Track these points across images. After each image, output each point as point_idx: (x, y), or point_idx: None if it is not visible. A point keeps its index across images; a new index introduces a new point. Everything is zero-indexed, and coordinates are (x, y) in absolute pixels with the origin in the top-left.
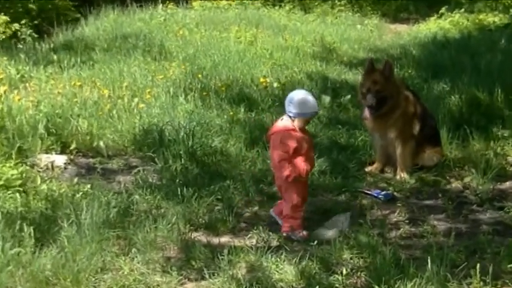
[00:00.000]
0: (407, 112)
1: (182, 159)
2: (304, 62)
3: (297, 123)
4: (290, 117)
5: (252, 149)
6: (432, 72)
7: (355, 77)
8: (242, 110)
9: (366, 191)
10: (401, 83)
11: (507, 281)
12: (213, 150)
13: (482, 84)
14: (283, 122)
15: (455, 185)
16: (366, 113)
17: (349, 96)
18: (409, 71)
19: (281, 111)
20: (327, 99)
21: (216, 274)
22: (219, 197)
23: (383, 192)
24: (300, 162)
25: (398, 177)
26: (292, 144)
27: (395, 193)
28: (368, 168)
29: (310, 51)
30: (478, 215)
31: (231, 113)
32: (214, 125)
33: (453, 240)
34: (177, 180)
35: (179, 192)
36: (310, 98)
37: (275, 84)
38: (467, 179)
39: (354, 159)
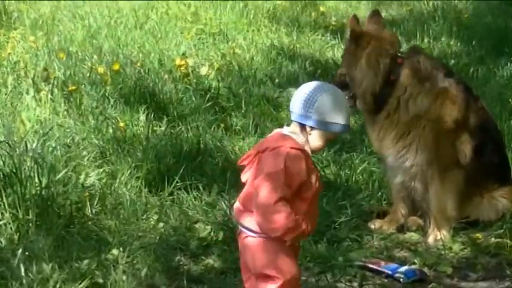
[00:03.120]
0: (444, 119)
1: (24, 211)
2: (257, 28)
3: (315, 142)
4: (301, 128)
5: (161, 190)
6: (493, 46)
7: None
8: (142, 118)
9: (373, 266)
10: (429, 61)
11: None
12: (88, 195)
13: None
14: (287, 136)
15: None
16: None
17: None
18: (450, 43)
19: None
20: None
21: None
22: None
23: (403, 268)
24: (288, 212)
25: (431, 239)
26: (302, 175)
27: (425, 269)
28: (376, 224)
29: (268, 8)
30: None
31: (122, 124)
32: (90, 147)
33: None
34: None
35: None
36: (344, 97)
37: (203, 71)
38: None
39: (349, 206)
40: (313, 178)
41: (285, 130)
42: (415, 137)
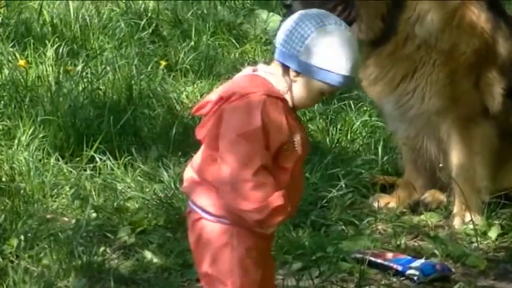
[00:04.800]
0: (461, 49)
1: None
2: None
3: (301, 93)
4: (284, 70)
5: (77, 156)
6: None
7: None
8: (50, 53)
9: (376, 259)
10: None
11: None
12: None
13: None
14: (261, 79)
15: None
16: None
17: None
18: None
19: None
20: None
21: None
22: None
23: (418, 262)
24: (271, 186)
25: (457, 222)
26: (283, 134)
27: (449, 264)
28: (380, 201)
29: None
30: None
31: (22, 63)
32: None
33: None
34: None
35: None
36: (355, 44)
37: None
38: None
39: (342, 176)
40: (297, 138)
41: (261, 70)
42: (422, 77)
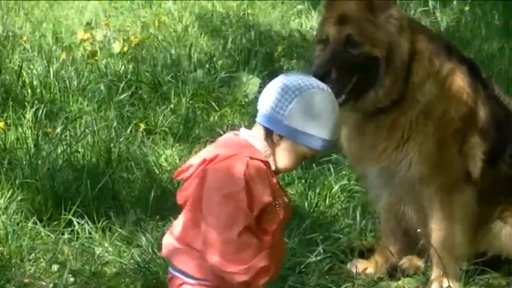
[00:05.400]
0: (450, 115)
1: None
2: None
3: (283, 157)
4: (267, 134)
5: (55, 219)
6: None
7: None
8: (29, 116)
9: None
10: (427, 35)
11: None
12: None
13: None
14: (244, 142)
15: None
16: None
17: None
18: (464, 9)
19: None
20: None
21: None
22: None
23: None
24: (255, 247)
25: (434, 287)
26: (266, 197)
27: None
28: (358, 266)
29: None
30: None
31: (0, 125)
32: None
33: None
34: None
35: None
36: (338, 108)
37: (116, 48)
38: None
39: (320, 241)
40: (280, 201)
41: (243, 133)
42: (414, 145)
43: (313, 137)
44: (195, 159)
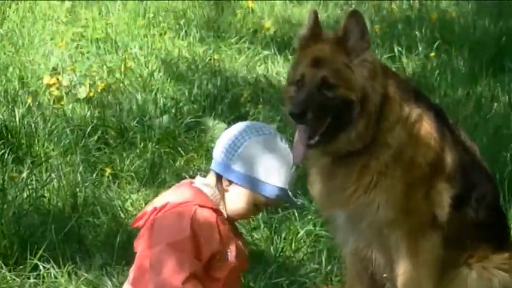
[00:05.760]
0: (418, 160)
1: None
2: (159, 32)
3: (234, 203)
4: (218, 180)
5: (20, 263)
6: (489, 59)
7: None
8: None
9: None
10: (396, 80)
11: None
12: None
13: None
14: (196, 190)
15: None
16: (297, 146)
17: (275, 124)
18: (430, 54)
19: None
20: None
21: None
22: None
23: None
24: None
25: None
26: (213, 244)
27: None
28: None
29: (174, 5)
30: None
31: None
32: None
33: None
34: None
35: None
36: (290, 155)
37: (82, 93)
38: None
39: (286, 286)
40: (231, 249)
41: (198, 181)
42: (381, 190)
43: (262, 182)
44: (148, 207)
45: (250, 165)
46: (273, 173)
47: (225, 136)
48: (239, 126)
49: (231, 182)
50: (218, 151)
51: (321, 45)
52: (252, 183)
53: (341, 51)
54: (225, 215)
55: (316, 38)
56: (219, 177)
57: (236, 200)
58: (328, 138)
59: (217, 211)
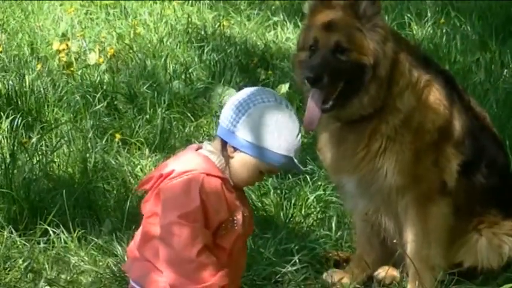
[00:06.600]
0: (427, 126)
1: None
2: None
3: (238, 170)
4: (223, 147)
5: (30, 228)
6: (498, 25)
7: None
8: (5, 126)
9: None
10: (406, 46)
11: None
12: None
13: None
14: (202, 156)
15: None
16: (311, 111)
17: (286, 86)
18: (440, 21)
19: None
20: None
21: None
22: None
23: None
24: (214, 265)
25: None
26: (221, 213)
27: None
28: (334, 276)
29: None
30: None
31: None
32: None
33: None
34: None
35: None
36: (296, 123)
37: (91, 59)
38: None
39: (296, 251)
40: (238, 217)
41: (204, 147)
42: (390, 155)
43: (266, 150)
44: (155, 171)
45: (255, 132)
46: (278, 140)
47: (230, 102)
48: (245, 92)
49: (235, 149)
50: (223, 117)
51: (332, 10)
52: (256, 150)
53: (353, 15)
54: (231, 182)
55: (327, 3)
56: (224, 144)
57: (241, 166)
58: (341, 102)
59: (223, 179)
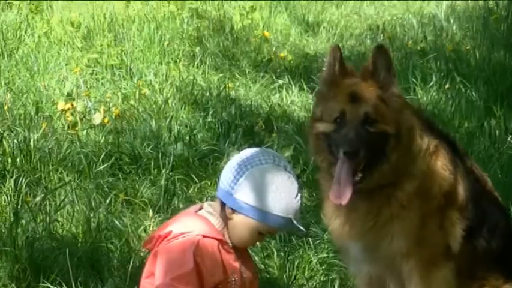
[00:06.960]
0: (434, 191)
1: None
2: (174, 59)
3: (237, 231)
4: (222, 208)
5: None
6: (505, 92)
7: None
8: (10, 185)
9: None
10: (412, 110)
11: None
12: None
13: None
14: (200, 217)
15: None
16: (343, 184)
17: (291, 149)
18: (445, 86)
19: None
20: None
21: None
22: None
23: None
24: None
25: None
26: (217, 275)
27: None
28: None
29: (190, 32)
30: None
31: None
32: None
33: None
34: None
35: None
36: (295, 184)
37: (96, 119)
38: None
39: None
40: (235, 277)
41: (204, 208)
42: (401, 221)
43: (264, 212)
44: (157, 232)
45: (253, 194)
46: (275, 202)
47: (229, 164)
48: (244, 153)
49: (234, 211)
50: (222, 178)
51: (352, 79)
52: (254, 212)
53: (374, 85)
54: (230, 244)
55: (345, 73)
56: (223, 205)
57: (239, 228)
58: (366, 173)
59: (221, 240)
